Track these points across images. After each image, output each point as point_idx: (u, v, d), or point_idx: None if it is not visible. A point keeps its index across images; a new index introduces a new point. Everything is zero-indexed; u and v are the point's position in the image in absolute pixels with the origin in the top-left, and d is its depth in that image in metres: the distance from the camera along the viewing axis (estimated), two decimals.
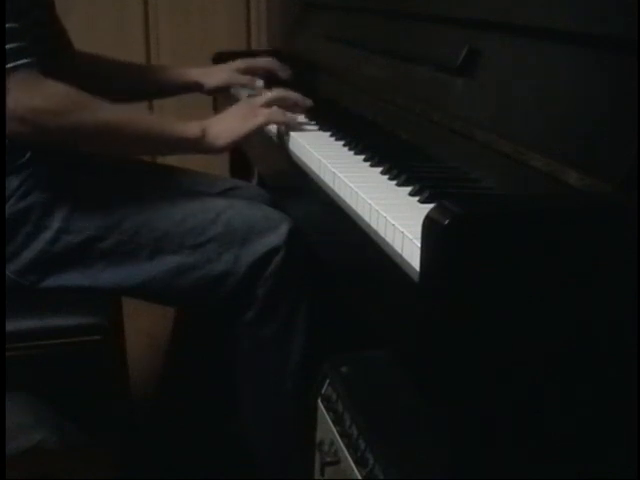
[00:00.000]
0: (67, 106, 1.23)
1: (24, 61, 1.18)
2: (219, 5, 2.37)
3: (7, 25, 1.17)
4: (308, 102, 1.41)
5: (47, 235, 1.30)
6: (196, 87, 1.70)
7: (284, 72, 1.72)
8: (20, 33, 1.19)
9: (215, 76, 1.69)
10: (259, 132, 1.36)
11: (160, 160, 2.26)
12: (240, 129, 1.32)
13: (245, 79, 1.67)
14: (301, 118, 1.38)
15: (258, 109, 1.34)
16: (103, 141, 1.29)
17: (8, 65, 1.17)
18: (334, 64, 1.64)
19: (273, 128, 1.38)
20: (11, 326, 1.24)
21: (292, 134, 1.29)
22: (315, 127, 1.35)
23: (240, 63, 1.72)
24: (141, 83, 1.68)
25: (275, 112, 1.33)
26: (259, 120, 1.33)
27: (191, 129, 1.31)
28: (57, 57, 1.52)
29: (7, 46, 1.17)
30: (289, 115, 1.34)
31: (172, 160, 1.84)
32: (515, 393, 0.74)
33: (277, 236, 1.31)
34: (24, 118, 1.19)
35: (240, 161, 1.88)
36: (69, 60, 1.57)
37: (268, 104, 1.35)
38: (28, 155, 1.29)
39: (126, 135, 1.29)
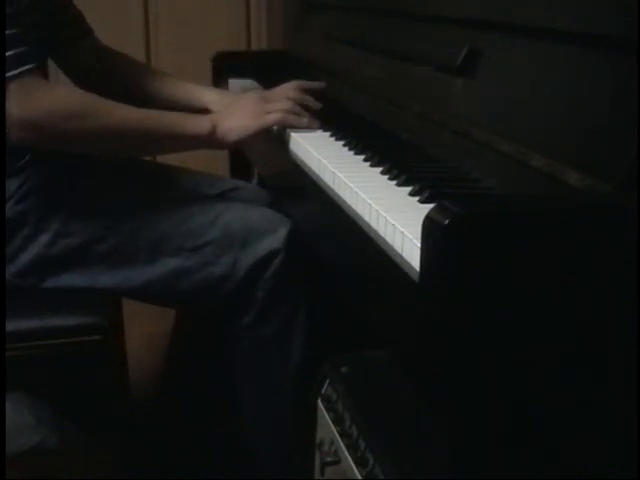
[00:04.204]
0: (73, 111, 1.21)
1: (25, 68, 1.16)
2: (219, 5, 2.36)
3: (5, 32, 1.15)
4: (318, 105, 1.38)
5: (45, 238, 1.29)
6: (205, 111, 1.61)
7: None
8: (19, 38, 1.17)
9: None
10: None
11: (160, 160, 2.26)
12: (252, 126, 1.30)
13: None
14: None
15: (271, 105, 1.33)
16: (111, 145, 1.28)
17: (8, 73, 1.15)
18: (334, 64, 1.64)
19: (273, 128, 1.38)
20: (11, 326, 1.24)
21: (292, 134, 1.29)
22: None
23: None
24: (156, 92, 1.61)
25: (288, 114, 1.32)
26: (272, 118, 1.31)
27: (201, 125, 1.29)
28: (75, 44, 1.52)
29: (6, 54, 1.15)
30: (303, 120, 1.32)
31: (172, 160, 1.84)
32: (515, 393, 0.74)
33: (276, 239, 1.30)
34: (28, 124, 1.18)
35: (240, 161, 1.88)
36: (89, 46, 1.57)
37: (282, 102, 1.33)
38: (27, 158, 1.29)
39: (135, 138, 1.28)
